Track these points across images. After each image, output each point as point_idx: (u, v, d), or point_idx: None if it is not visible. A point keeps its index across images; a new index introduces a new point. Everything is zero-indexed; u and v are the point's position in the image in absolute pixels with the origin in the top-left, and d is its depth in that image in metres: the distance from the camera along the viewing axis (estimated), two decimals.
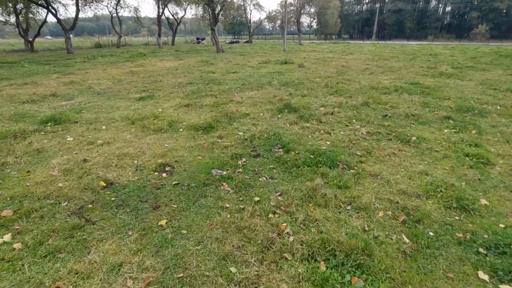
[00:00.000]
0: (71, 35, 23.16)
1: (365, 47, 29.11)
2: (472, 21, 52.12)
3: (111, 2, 32.65)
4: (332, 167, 3.38)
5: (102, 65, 14.42)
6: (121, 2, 32.45)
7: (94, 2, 28.50)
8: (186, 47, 33.26)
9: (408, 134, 4.45)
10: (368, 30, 63.39)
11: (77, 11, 23.16)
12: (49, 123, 5.06)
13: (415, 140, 4.23)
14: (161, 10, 32.11)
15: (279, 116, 5.41)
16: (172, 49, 28.18)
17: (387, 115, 5.50)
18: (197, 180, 3.11)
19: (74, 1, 22.92)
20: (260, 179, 3.14)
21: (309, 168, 3.35)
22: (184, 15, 39.78)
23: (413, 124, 5.05)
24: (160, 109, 5.96)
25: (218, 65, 13.65)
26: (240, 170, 3.33)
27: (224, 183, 3.04)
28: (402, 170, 3.39)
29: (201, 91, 7.64)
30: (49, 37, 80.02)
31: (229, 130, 4.68)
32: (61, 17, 22.97)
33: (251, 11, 63.58)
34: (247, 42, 46.08)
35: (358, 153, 3.80)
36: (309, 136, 4.40)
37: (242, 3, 45.17)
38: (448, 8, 60.67)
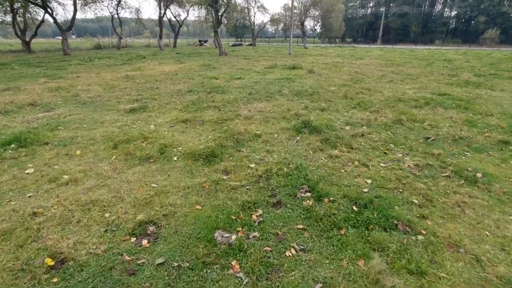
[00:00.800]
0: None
1: (373, 52, 28.12)
2: (479, 25, 50.96)
3: (111, 3, 31.86)
4: (389, 230, 2.35)
5: (97, 68, 13.44)
6: (122, 2, 31.57)
7: (94, 2, 27.70)
8: (188, 49, 32.28)
9: (469, 169, 3.42)
10: (372, 34, 62.45)
11: (75, 11, 22.24)
12: (12, 145, 4.06)
13: (482, 179, 3.21)
14: (162, 12, 31.20)
15: (297, 138, 4.38)
16: (174, 51, 27.21)
17: (429, 138, 4.48)
18: (194, 255, 2.09)
19: (72, 1, 22.01)
20: (286, 253, 2.12)
21: (355, 231, 2.32)
22: (186, 16, 38.97)
23: (467, 152, 4.02)
24: (152, 126, 4.95)
25: (221, 70, 12.65)
26: (256, 234, 2.30)
27: (234, 262, 2.02)
28: (487, 233, 2.36)
29: (202, 102, 6.63)
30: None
31: (237, 159, 3.64)
32: (59, 17, 22.12)
33: (255, 13, 62.99)
34: (250, 45, 45.13)
35: (415, 201, 2.77)
36: (342, 171, 3.37)
37: (246, 5, 44.36)
38: (454, 12, 59.73)
